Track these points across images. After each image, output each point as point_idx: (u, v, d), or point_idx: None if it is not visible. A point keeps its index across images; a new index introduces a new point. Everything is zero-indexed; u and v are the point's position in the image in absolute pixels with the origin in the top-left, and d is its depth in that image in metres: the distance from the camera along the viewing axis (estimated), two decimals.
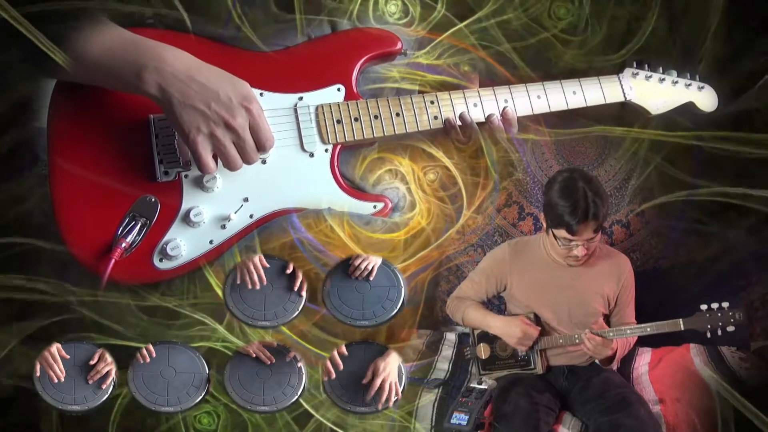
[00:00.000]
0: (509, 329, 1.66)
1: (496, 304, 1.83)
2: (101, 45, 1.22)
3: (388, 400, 1.35)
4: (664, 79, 1.46)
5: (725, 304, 1.50)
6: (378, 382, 1.34)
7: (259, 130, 1.26)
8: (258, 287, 1.33)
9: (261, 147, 1.28)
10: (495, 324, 1.69)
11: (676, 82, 1.46)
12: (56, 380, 1.33)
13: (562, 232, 1.57)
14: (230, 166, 1.27)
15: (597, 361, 1.65)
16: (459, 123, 1.36)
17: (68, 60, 1.20)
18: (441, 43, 1.43)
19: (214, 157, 1.27)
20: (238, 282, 1.33)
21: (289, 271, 1.34)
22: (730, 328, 1.49)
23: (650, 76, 1.46)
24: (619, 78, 1.45)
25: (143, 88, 1.22)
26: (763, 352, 1.68)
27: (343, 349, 1.35)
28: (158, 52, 1.23)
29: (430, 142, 1.41)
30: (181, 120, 1.22)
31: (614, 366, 1.67)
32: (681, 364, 1.67)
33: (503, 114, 1.38)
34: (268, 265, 1.33)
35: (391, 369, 1.36)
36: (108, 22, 1.26)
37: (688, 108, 1.46)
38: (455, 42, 1.43)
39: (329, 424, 1.37)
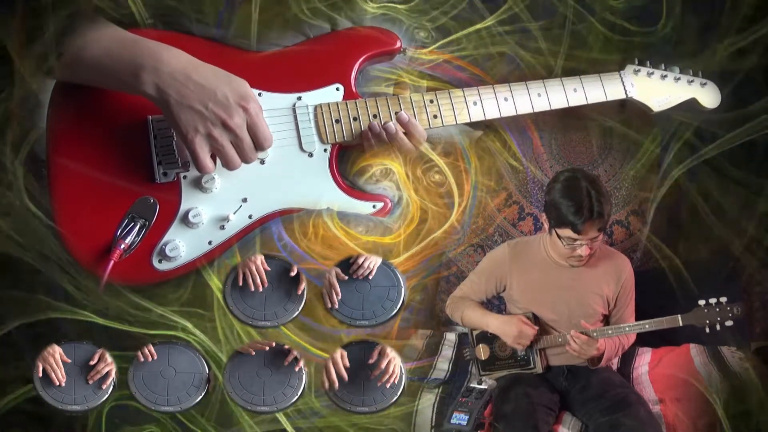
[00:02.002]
0: (507, 328, 1.66)
1: (495, 304, 1.82)
2: (99, 45, 1.23)
3: (390, 380, 1.35)
4: (666, 76, 1.45)
5: (723, 299, 1.50)
6: (384, 363, 1.34)
7: (256, 129, 1.25)
8: (261, 290, 1.33)
9: (259, 146, 1.27)
10: (493, 323, 1.69)
11: (679, 78, 1.45)
12: (57, 384, 1.34)
13: (566, 232, 1.56)
14: (228, 165, 1.27)
15: (586, 362, 1.65)
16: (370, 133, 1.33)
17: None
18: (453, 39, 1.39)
19: (213, 158, 1.27)
20: (240, 283, 1.33)
21: (293, 274, 1.34)
22: (729, 323, 1.49)
23: (652, 73, 1.45)
24: (620, 75, 1.44)
25: (141, 89, 1.22)
26: (763, 352, 1.68)
27: (347, 361, 1.35)
28: (156, 52, 1.22)
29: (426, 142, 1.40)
30: (179, 120, 1.22)
31: (603, 364, 1.66)
32: (681, 364, 1.67)
33: (398, 119, 1.32)
34: (269, 268, 1.33)
35: (396, 356, 1.37)
36: (106, 22, 1.26)
37: (691, 105, 1.46)
38: (451, 58, 1.40)
39: None
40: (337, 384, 1.34)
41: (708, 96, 1.45)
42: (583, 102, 1.42)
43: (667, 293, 1.70)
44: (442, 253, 1.46)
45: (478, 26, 1.40)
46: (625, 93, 1.44)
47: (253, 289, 1.33)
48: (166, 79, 1.21)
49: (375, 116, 1.35)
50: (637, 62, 1.44)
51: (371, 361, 1.35)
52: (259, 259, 1.33)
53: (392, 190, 1.39)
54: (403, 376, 1.37)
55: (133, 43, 1.24)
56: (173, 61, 1.22)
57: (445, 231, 1.42)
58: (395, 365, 1.36)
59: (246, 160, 1.27)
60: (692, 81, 1.45)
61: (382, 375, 1.34)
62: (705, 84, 1.45)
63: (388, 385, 1.35)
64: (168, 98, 1.21)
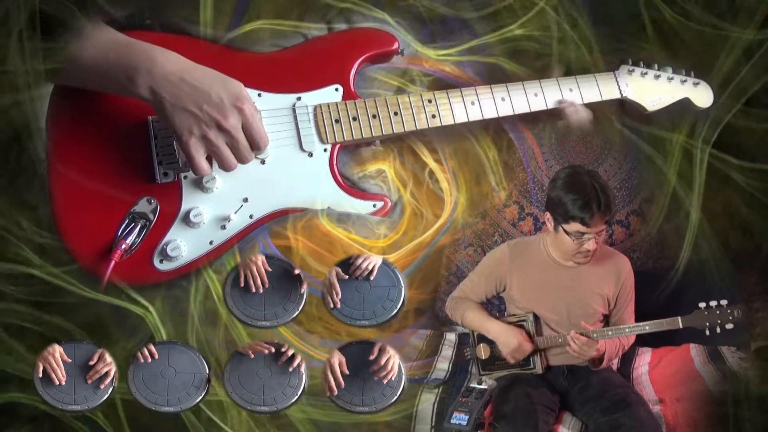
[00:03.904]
0: (506, 338, 1.66)
1: (496, 303, 1.83)
2: (95, 48, 1.23)
3: (388, 376, 1.34)
4: (659, 76, 1.47)
5: (724, 302, 1.49)
6: (384, 359, 1.34)
7: (252, 129, 1.26)
8: (261, 291, 1.33)
9: (255, 146, 1.28)
10: (494, 329, 1.68)
11: (672, 78, 1.46)
12: (58, 383, 1.33)
13: (575, 226, 1.55)
14: (224, 167, 1.27)
15: (587, 362, 1.64)
16: None
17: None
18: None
19: (209, 159, 1.27)
20: (242, 284, 1.33)
21: (296, 272, 1.34)
22: (729, 326, 1.48)
23: (646, 73, 1.46)
24: (615, 75, 1.46)
25: (135, 92, 1.23)
26: (763, 352, 1.67)
27: (345, 368, 1.34)
28: (150, 55, 1.23)
29: (421, 143, 1.41)
30: (174, 123, 1.23)
31: (605, 365, 1.65)
32: (681, 364, 1.67)
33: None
34: (270, 269, 1.33)
35: (396, 354, 1.36)
36: (102, 25, 1.27)
37: (684, 104, 1.47)
38: (450, 71, 1.42)
39: None
40: (336, 391, 1.34)
41: (701, 95, 1.46)
42: (578, 101, 1.44)
43: (668, 294, 1.70)
44: (440, 251, 1.46)
45: (504, 31, 1.41)
46: (620, 93, 1.45)
47: (254, 290, 1.32)
48: (160, 82, 1.21)
49: (374, 116, 1.37)
50: (631, 62, 1.46)
51: (371, 357, 1.35)
52: (260, 259, 1.33)
53: (384, 191, 1.40)
54: (403, 376, 1.37)
55: (126, 45, 1.24)
56: (167, 64, 1.22)
57: (432, 234, 1.42)
58: (394, 362, 1.35)
59: (242, 160, 1.27)
60: (685, 81, 1.46)
61: (380, 371, 1.34)
62: (698, 84, 1.46)
63: (385, 381, 1.34)
64: (162, 100, 1.21)
